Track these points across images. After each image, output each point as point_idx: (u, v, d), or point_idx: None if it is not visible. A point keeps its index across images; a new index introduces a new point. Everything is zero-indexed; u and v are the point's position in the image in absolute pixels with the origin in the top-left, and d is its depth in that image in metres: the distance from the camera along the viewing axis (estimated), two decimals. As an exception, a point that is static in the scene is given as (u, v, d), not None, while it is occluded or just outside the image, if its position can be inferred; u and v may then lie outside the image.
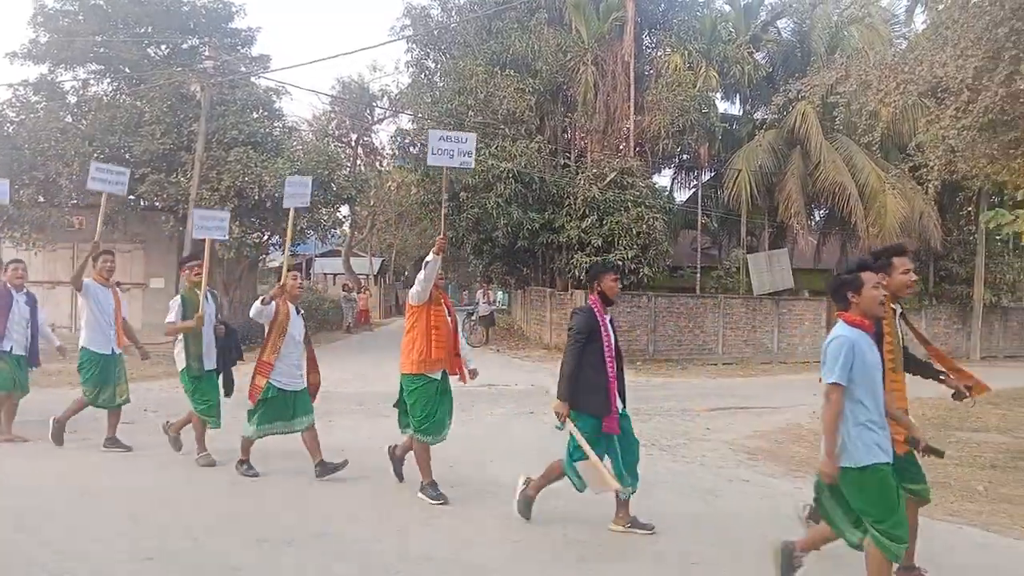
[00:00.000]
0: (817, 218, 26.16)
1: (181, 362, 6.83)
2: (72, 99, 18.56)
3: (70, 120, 17.66)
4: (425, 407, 5.65)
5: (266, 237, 18.73)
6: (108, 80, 19.65)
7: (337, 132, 34.70)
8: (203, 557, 4.44)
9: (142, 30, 18.97)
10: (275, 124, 19.56)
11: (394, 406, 6.06)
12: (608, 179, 19.45)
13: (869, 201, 20.24)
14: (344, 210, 25.08)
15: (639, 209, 19.17)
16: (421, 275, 5.60)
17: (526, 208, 19.98)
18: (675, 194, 26.00)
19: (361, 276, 38.04)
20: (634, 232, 19.06)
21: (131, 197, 17.34)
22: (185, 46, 19.77)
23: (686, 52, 21.12)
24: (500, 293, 35.19)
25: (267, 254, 23.56)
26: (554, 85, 21.35)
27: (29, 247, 17.18)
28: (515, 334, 25.15)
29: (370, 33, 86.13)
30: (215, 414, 6.86)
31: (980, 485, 6.68)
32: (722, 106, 24.55)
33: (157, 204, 17.00)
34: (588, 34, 21.02)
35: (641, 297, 19.63)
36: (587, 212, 19.38)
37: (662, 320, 19.60)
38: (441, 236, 5.65)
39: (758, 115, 24.40)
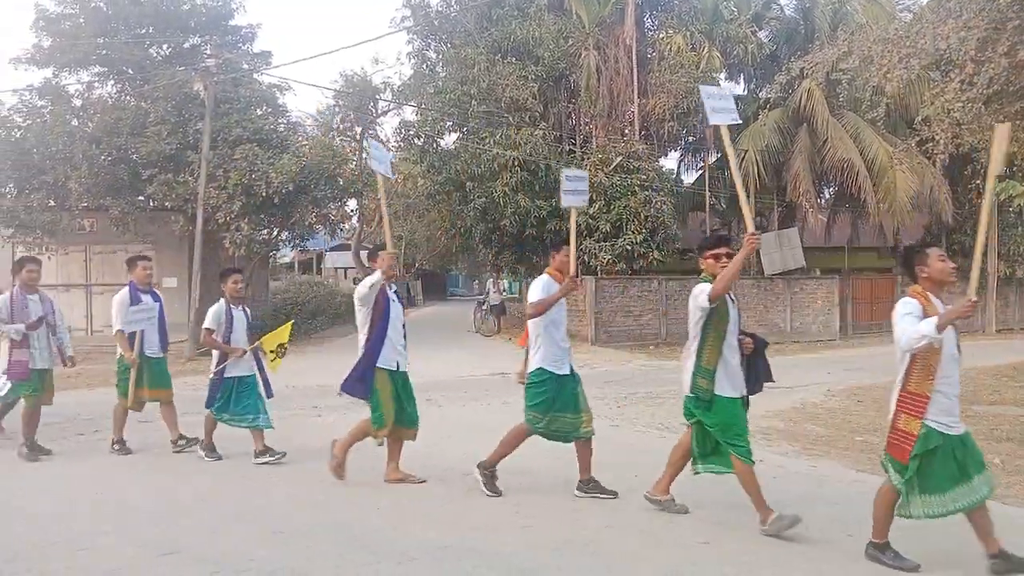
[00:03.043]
0: (826, 196, 26.00)
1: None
2: (77, 102, 18.63)
3: (76, 123, 17.74)
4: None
5: (275, 233, 18.80)
6: (112, 82, 19.72)
7: (342, 126, 34.72)
8: (220, 550, 4.50)
9: (143, 31, 19.00)
10: (279, 120, 19.58)
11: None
12: (614, 164, 19.41)
13: (878, 177, 20.10)
14: (352, 204, 25.14)
15: (646, 193, 19.13)
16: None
17: (533, 196, 19.96)
18: (682, 176, 25.91)
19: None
20: (642, 216, 19.02)
21: (140, 198, 17.47)
22: (187, 45, 19.80)
23: (688, 33, 20.99)
24: (506, 281, 35.17)
25: (277, 250, 23.67)
26: (556, 71, 21.27)
27: (42, 251, 17.34)
28: (525, 322, 25.18)
29: (371, 26, 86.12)
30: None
31: (997, 458, 6.67)
32: (726, 86, 24.38)
33: (167, 204, 17.10)
34: (589, 19, 20.91)
35: (651, 281, 19.61)
36: (594, 198, 19.31)
37: (673, 303, 19.56)
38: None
39: (763, 94, 24.23)
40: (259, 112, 18.61)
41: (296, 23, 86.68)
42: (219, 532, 4.84)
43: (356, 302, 5.90)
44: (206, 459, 6.83)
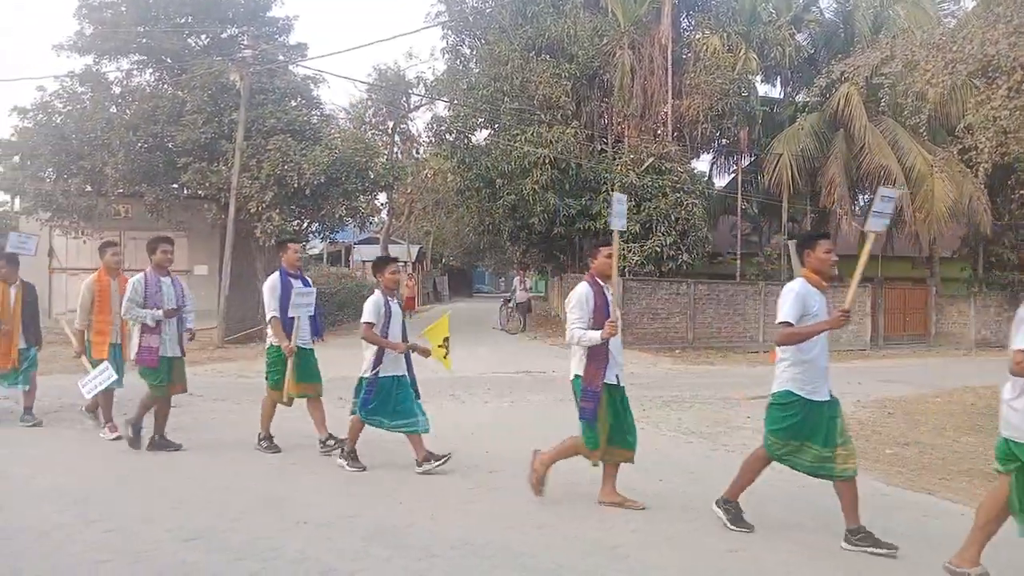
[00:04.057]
0: (861, 203, 25.57)
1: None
2: (116, 89, 18.92)
3: (115, 110, 18.02)
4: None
5: (305, 225, 18.93)
6: (150, 70, 20.00)
7: (374, 120, 34.93)
8: (243, 538, 4.51)
9: (182, 20, 19.25)
10: (313, 112, 19.72)
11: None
12: (646, 164, 19.26)
13: (916, 185, 19.74)
14: (382, 197, 25.25)
15: (677, 195, 18.96)
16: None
17: (563, 194, 19.88)
18: (714, 179, 25.64)
19: (400, 263, 38.31)
20: (672, 218, 18.87)
21: (175, 186, 17.69)
22: (224, 35, 20.01)
23: (725, 34, 20.74)
24: (532, 279, 35.12)
25: (307, 241, 23.83)
26: (590, 70, 21.15)
27: (78, 235, 17.64)
28: (552, 321, 25.11)
29: (406, 20, 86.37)
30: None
31: None
32: (762, 89, 24.14)
33: (200, 192, 17.29)
34: (625, 17, 20.76)
35: (680, 284, 19.44)
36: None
37: (701, 307, 19.38)
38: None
39: (800, 98, 23.92)
40: (293, 104, 18.74)
41: (331, 15, 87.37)
42: (243, 520, 4.86)
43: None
44: (348, 469, 6.13)
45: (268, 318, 6.70)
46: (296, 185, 16.36)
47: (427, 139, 24.33)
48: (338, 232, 22.52)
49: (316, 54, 44.57)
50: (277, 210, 16.68)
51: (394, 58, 65.39)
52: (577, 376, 5.23)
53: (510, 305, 22.86)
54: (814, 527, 5.00)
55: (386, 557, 4.25)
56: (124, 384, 7.51)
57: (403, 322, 6.28)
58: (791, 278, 19.32)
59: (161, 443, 6.78)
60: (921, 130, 15.39)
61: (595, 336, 5.06)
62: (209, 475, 6.02)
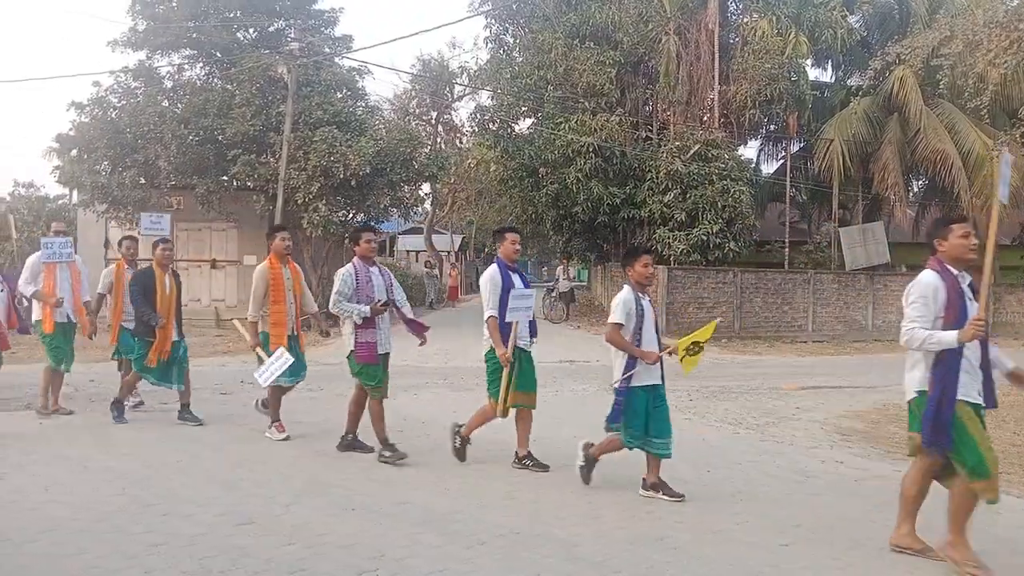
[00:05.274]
0: (916, 189, 24.83)
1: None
2: (168, 84, 19.37)
3: (167, 104, 18.44)
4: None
5: (351, 215, 19.14)
6: (201, 65, 20.40)
7: (418, 110, 35.06)
8: (292, 523, 4.59)
9: (231, 15, 19.57)
10: (358, 104, 19.90)
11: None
12: (692, 152, 18.98)
13: (974, 170, 19.08)
14: (426, 187, 25.36)
15: (724, 182, 18.66)
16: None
17: (606, 183, 19.73)
18: (762, 166, 25.20)
19: (442, 252, 38.51)
20: (719, 206, 18.59)
21: (224, 177, 18.04)
22: (272, 29, 20.30)
23: (774, 18, 20.27)
24: (575, 268, 34.98)
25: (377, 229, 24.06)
26: (635, 56, 20.90)
27: (133, 227, 18.11)
28: (595, 310, 24.98)
29: (449, 10, 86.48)
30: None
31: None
32: (812, 73, 23.57)
33: (249, 184, 17.62)
34: (671, 3, 20.43)
35: (727, 273, 19.15)
36: (670, 186, 18.97)
37: (749, 296, 19.07)
38: None
39: (852, 82, 23.27)
40: (339, 95, 18.94)
41: (375, 6, 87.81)
42: (294, 506, 4.94)
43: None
44: (664, 498, 5.22)
45: (486, 317, 5.85)
46: (342, 176, 16.54)
47: (470, 129, 24.32)
48: (383, 222, 22.71)
49: (361, 46, 44.93)
50: (323, 201, 16.90)
51: (437, 48, 65.69)
52: (922, 393, 4.09)
53: (553, 294, 22.81)
54: (868, 522, 4.88)
55: (434, 544, 4.28)
56: (306, 378, 7.19)
57: (656, 322, 5.42)
58: (841, 266, 19.00)
59: (353, 443, 6.39)
60: (983, 113, 14.85)
61: (949, 338, 3.95)
62: (260, 462, 6.13)
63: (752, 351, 16.69)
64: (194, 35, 19.16)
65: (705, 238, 18.58)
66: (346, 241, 20.19)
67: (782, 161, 23.42)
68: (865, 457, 6.87)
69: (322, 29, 20.98)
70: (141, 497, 5.05)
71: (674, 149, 19.21)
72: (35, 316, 7.88)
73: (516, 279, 5.97)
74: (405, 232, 42.32)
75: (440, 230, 42.36)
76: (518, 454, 6.01)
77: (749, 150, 25.56)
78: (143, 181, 17.81)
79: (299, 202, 16.98)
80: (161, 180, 17.38)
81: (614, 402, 5.25)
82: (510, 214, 26.71)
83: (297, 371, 6.87)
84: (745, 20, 21.37)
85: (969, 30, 9.69)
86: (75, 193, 19.28)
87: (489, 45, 24.61)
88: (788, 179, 21.97)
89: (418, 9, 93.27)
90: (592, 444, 5.47)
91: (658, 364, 5.26)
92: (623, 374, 5.20)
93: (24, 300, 8.23)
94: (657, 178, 19.20)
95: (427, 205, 37.97)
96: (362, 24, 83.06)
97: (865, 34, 22.11)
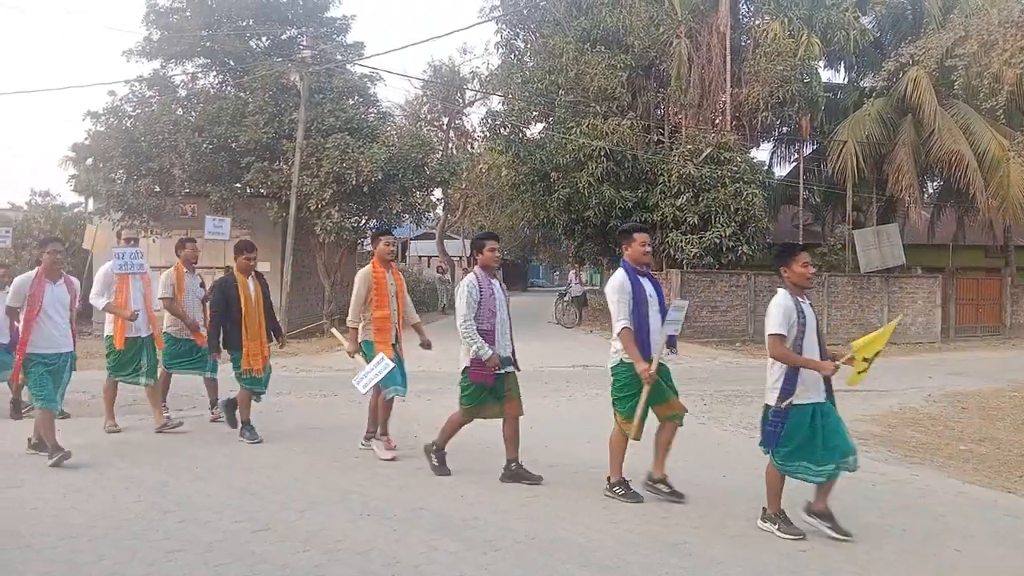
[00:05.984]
0: (930, 190, 24.66)
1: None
2: (182, 92, 19.50)
3: (181, 112, 18.58)
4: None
5: (363, 221, 19.20)
6: (214, 73, 20.55)
7: (429, 116, 35.15)
8: (309, 529, 4.61)
9: (244, 23, 19.72)
10: (370, 110, 19.98)
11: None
12: (704, 155, 18.92)
13: (990, 171, 18.94)
14: (437, 193, 25.39)
15: (737, 185, 18.60)
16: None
17: (618, 187, 19.70)
18: (775, 168, 25.05)
19: (455, 258, 38.57)
20: (732, 209, 18.52)
21: (238, 185, 18.16)
22: (284, 37, 20.44)
23: (786, 19, 20.19)
24: (587, 273, 34.87)
25: (365, 238, 24.16)
26: (646, 60, 20.86)
27: (148, 235, 18.26)
28: (607, 315, 24.88)
29: (460, 16, 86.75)
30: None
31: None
32: (825, 75, 23.45)
33: (262, 191, 17.73)
34: (682, 6, 20.40)
35: (740, 276, 19.08)
36: (682, 189, 18.93)
37: (763, 299, 18.93)
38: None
39: (865, 83, 23.15)
40: (351, 102, 19.02)
41: (386, 13, 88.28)
42: (310, 512, 4.95)
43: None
44: (780, 535, 4.60)
45: (617, 330, 5.24)
46: (354, 182, 16.60)
47: (482, 134, 24.33)
48: (395, 228, 22.77)
49: (372, 52, 45.18)
50: (336, 207, 16.97)
51: (449, 54, 65.92)
52: None
53: (566, 299, 22.79)
54: (886, 526, 4.84)
55: (450, 550, 4.28)
56: (407, 393, 6.85)
57: (818, 329, 4.78)
58: (856, 269, 18.91)
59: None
60: (998, 113, 14.74)
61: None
62: (276, 468, 6.15)
63: (765, 355, 16.56)
64: (207, 44, 19.32)
65: (718, 241, 18.52)
66: (362, 244, 20.28)
67: (795, 163, 23.32)
68: (882, 461, 6.82)
69: (334, 37, 21.09)
70: (159, 504, 5.09)
71: (686, 152, 19.16)
72: (106, 331, 7.48)
73: (647, 284, 5.43)
74: (417, 237, 42.44)
75: (452, 235, 42.44)
76: (652, 476, 5.38)
77: (762, 153, 25.50)
78: (158, 189, 17.94)
79: (312, 208, 17.06)
80: (176, 188, 17.50)
81: (770, 422, 4.70)
82: (522, 218, 26.70)
83: (397, 379, 6.46)
84: (757, 22, 21.29)
85: (984, 30, 9.62)
86: (91, 201, 19.43)
87: (500, 50, 24.67)
88: (801, 181, 21.87)
89: (429, 15, 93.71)
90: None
91: (822, 379, 4.61)
92: (781, 399, 4.58)
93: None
94: (669, 181, 19.16)
95: (439, 210, 38.06)
96: (374, 31, 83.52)
97: (878, 35, 21.99)
